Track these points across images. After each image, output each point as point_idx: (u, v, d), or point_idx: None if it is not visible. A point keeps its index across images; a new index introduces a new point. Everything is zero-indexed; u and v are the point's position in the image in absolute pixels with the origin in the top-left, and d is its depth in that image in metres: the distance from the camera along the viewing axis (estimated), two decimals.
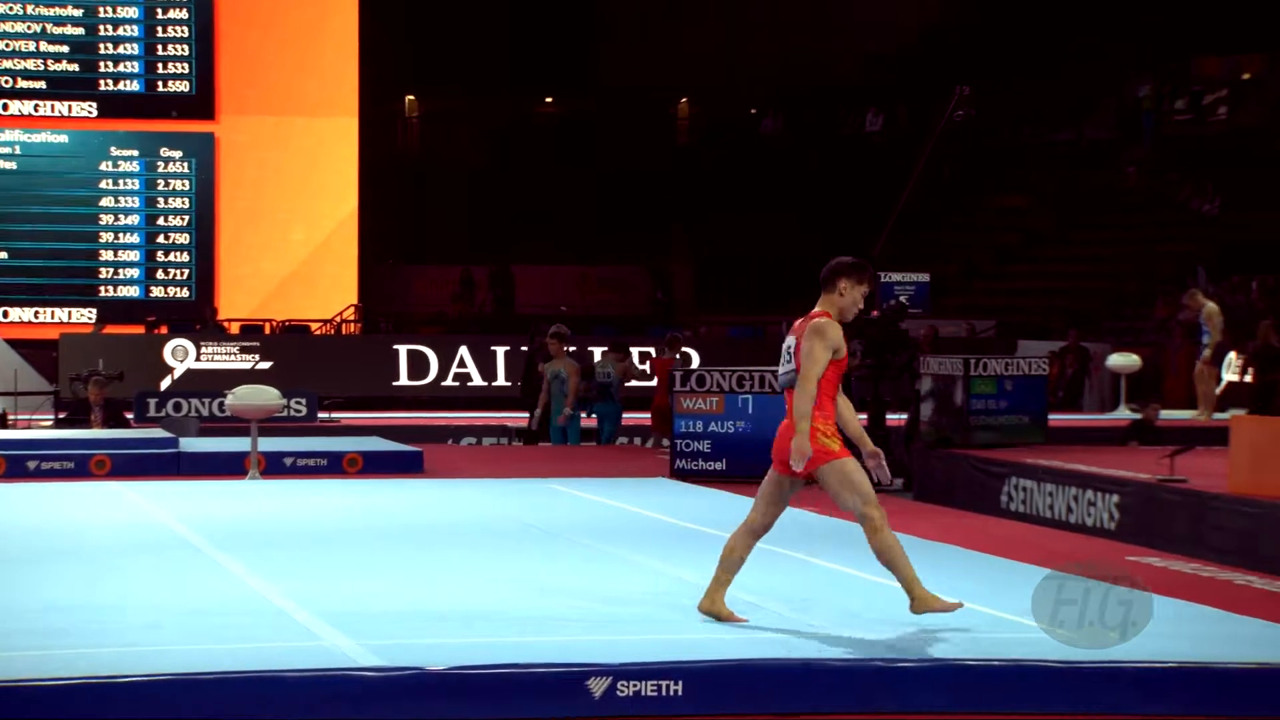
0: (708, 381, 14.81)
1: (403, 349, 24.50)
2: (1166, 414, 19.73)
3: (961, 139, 28.94)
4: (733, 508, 12.42)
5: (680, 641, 7.16)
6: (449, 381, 24.35)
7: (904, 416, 17.01)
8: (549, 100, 38.75)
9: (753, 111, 38.03)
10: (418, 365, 24.31)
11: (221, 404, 18.42)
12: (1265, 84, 32.08)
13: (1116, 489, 12.84)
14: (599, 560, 9.70)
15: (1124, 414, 20.42)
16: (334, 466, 14.96)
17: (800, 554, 9.89)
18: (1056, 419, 19.54)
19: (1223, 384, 19.64)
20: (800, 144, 36.34)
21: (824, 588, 8.73)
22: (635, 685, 6.66)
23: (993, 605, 7.59)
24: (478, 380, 24.37)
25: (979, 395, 14.93)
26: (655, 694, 6.67)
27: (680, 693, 6.68)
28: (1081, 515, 13.12)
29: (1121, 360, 22.12)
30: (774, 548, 10.33)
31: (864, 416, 17.23)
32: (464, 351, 24.37)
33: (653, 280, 33.85)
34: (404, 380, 24.32)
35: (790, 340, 7.67)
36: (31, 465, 14.51)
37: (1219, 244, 29.07)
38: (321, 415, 20.20)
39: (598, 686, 6.66)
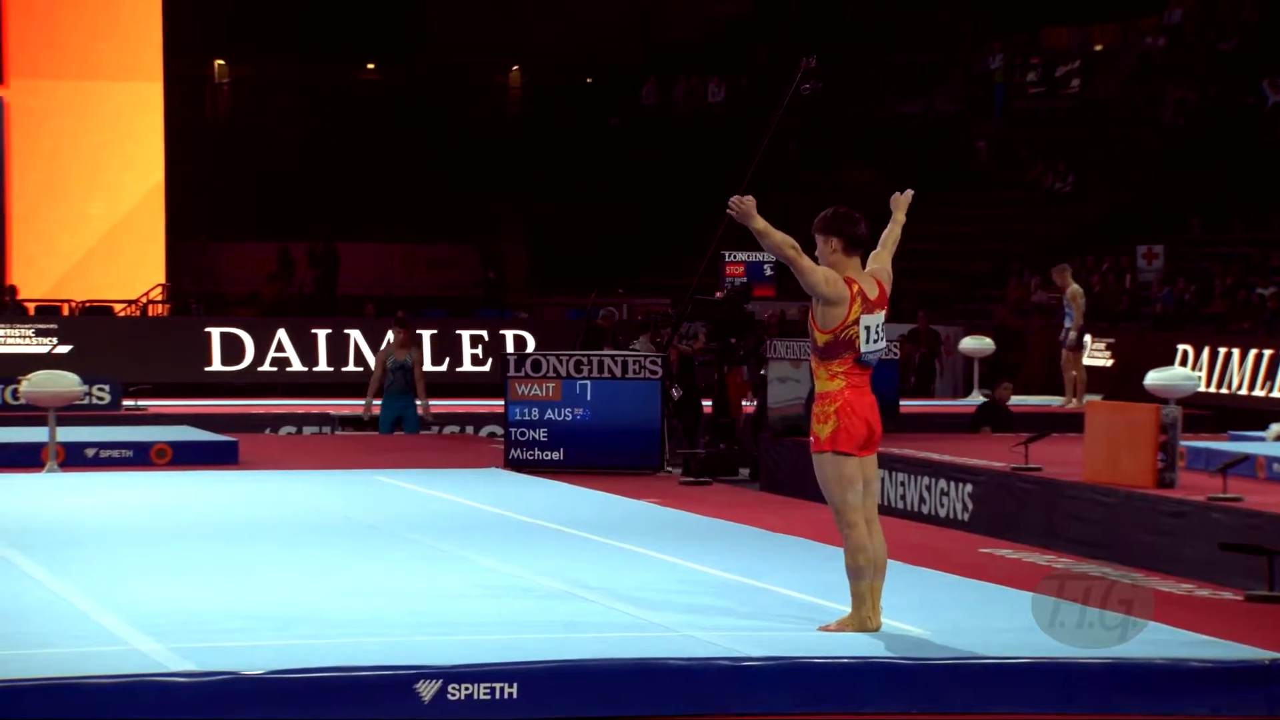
0: (544, 366, 14.81)
1: (215, 332, 24.18)
2: (1022, 399, 20.14)
3: (807, 111, 29.21)
4: (572, 500, 12.47)
5: (515, 642, 7.15)
6: (266, 367, 24.07)
7: (751, 403, 17.18)
8: (371, 66, 38.47)
9: (588, 80, 38.09)
10: (232, 349, 23.99)
11: (15, 391, 18.00)
12: (1118, 56, 32.78)
13: (969, 478, 13.07)
14: (428, 557, 9.67)
15: (977, 399, 20.80)
16: (141, 458, 14.75)
17: (649, 550, 9.94)
18: (908, 405, 19.86)
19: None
20: (640, 117, 36.47)
21: (671, 584, 8.77)
22: (468, 688, 6.64)
23: (844, 602, 7.66)
24: (297, 365, 24.12)
25: None
26: (489, 697, 6.66)
27: (515, 695, 6.67)
28: (935, 506, 13.35)
29: (975, 344, 22.52)
30: (591, 535, 10.40)
31: (709, 404, 17.41)
32: (282, 335, 24.09)
33: (483, 259, 33.78)
34: (217, 365, 24.00)
35: (879, 316, 7.37)
36: None
37: (1072, 223, 29.68)
38: (127, 403, 19.87)
39: (427, 690, 6.63)
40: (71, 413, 15.89)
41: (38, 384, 13.84)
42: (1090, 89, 32.58)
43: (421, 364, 18.29)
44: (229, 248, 32.66)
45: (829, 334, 7.29)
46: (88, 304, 27.00)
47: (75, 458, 14.40)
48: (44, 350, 22.61)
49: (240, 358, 24.05)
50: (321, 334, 24.31)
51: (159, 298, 28.15)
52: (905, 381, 22.93)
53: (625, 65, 37.33)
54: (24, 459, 14.28)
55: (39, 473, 13.67)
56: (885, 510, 13.25)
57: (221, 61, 36.60)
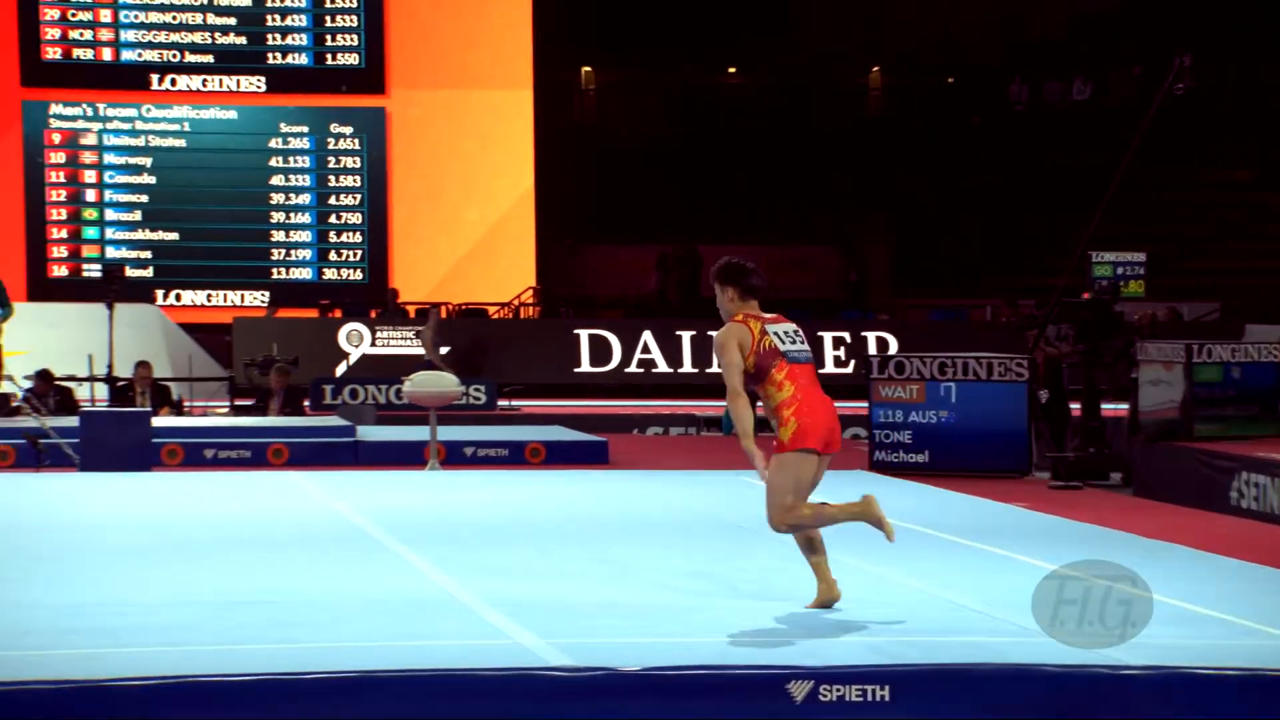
0: (907, 368, 14.74)
1: (584, 334, 24.65)
2: None
3: (1180, 109, 28.36)
4: (937, 503, 12.37)
5: (884, 645, 7.14)
6: (633, 368, 24.46)
7: (1122, 407, 16.75)
8: (733, 70, 38.73)
9: (949, 80, 37.67)
10: (600, 351, 24.44)
11: (398, 391, 18.73)
12: None
13: None
14: (794, 558, 9.68)
15: None
16: (516, 457, 15.15)
17: (1018, 555, 9.81)
18: None
19: None
20: (1004, 115, 35.91)
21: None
22: (840, 690, 6.65)
23: (1224, 610, 7.46)
24: (663, 367, 24.45)
25: (1204, 384, 14.64)
26: (861, 699, 6.66)
27: (888, 698, 6.67)
28: None
29: None
30: (960, 539, 10.28)
31: (1076, 407, 17.06)
32: (648, 336, 24.46)
33: (845, 261, 33.69)
34: (586, 367, 24.49)
35: (787, 325, 7.91)
36: (209, 454, 14.94)
37: None
38: (501, 403, 20.44)
39: (799, 690, 6.67)
40: (450, 412, 16.39)
41: (420, 384, 14.33)
42: None
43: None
44: (595, 250, 33.26)
45: (751, 357, 7.78)
46: (463, 307, 27.84)
47: (455, 456, 14.89)
48: (423, 352, 23.38)
49: (608, 359, 24.49)
50: (686, 336, 24.59)
51: (530, 300, 28.84)
52: None
53: (988, 64, 36.79)
54: (408, 456, 14.80)
55: (422, 470, 14.16)
56: (1268, 517, 12.82)
57: (589, 68, 37.31)
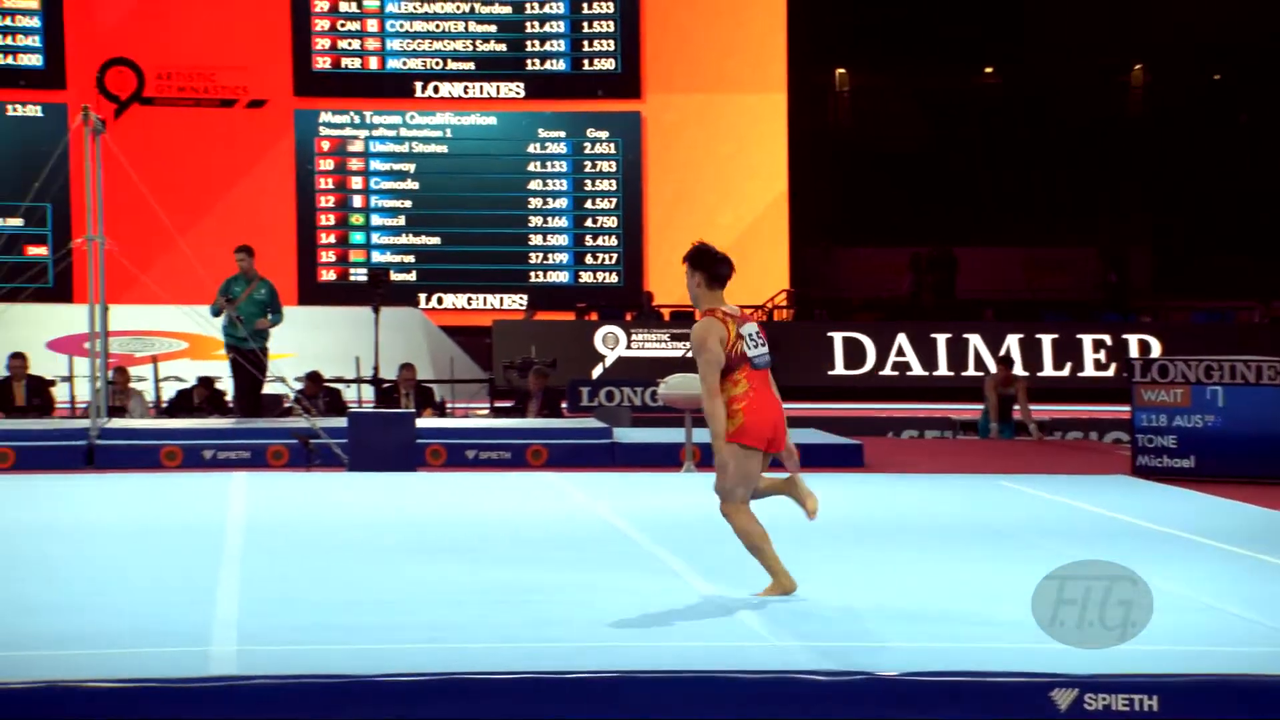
0: (1171, 372, 14.41)
1: (838, 336, 24.59)
2: None
3: None
4: (1205, 509, 12.06)
5: (1151, 653, 6.99)
6: (887, 371, 24.33)
7: None
8: (988, 70, 38.26)
9: (1215, 77, 36.72)
10: (854, 353, 24.36)
11: (653, 393, 18.87)
12: None
13: None
14: (1058, 564, 9.53)
15: None
16: (771, 459, 15.13)
17: (1260, 554, 9.54)
18: None
19: None
20: (1273, 111, 34.90)
21: None
22: (1105, 698, 6.54)
23: None
24: (917, 370, 24.27)
25: None
26: (1127, 708, 6.54)
27: (1155, 708, 6.53)
28: None
29: None
30: (1230, 547, 10.00)
31: None
32: (902, 339, 24.30)
33: (1104, 262, 33.06)
34: (839, 369, 24.41)
35: (751, 325, 8.26)
36: (470, 454, 15.20)
37: None
38: None
39: (1063, 698, 6.57)
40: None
41: (674, 387, 14.39)
42: None
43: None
44: (850, 253, 33.12)
45: (723, 356, 8.12)
46: None
47: (710, 457, 14.90)
48: (678, 354, 23.52)
49: (862, 362, 24.38)
50: (941, 339, 24.37)
51: (783, 303, 28.85)
52: None
53: (1255, 60, 35.76)
54: (663, 458, 14.89)
55: (677, 472, 14.23)
56: None
57: (842, 70, 37.17)
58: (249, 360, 16.45)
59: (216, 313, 16.88)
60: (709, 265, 8.21)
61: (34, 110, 28.11)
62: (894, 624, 7.68)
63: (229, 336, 16.89)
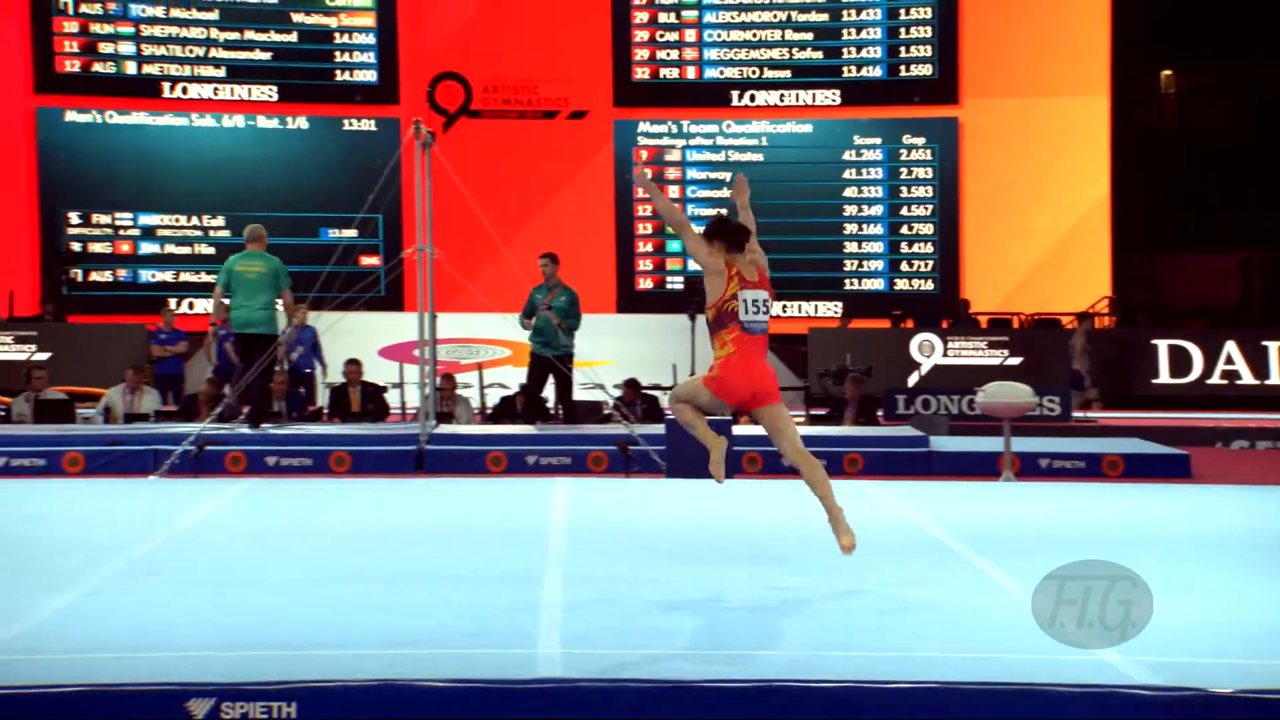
0: None
1: (1162, 344, 24.01)
2: None
3: None
4: None
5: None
6: (1215, 379, 23.66)
7: None
8: None
9: None
10: (1180, 361, 23.75)
11: (971, 401, 18.67)
12: None
13: None
14: None
15: None
16: (1093, 469, 14.88)
17: None
18: None
19: None
20: None
21: None
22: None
23: None
24: (1247, 379, 23.55)
25: None
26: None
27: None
28: None
29: None
30: None
31: None
32: (1231, 347, 23.60)
33: None
34: (1164, 378, 23.83)
35: (761, 293, 8.72)
36: (785, 461, 15.22)
37: None
38: (1076, 415, 20.12)
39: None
40: (1024, 423, 16.24)
41: (993, 395, 14.26)
42: None
43: None
44: (1174, 259, 32.25)
45: (713, 308, 8.68)
46: (1036, 316, 27.52)
47: (1029, 467, 14.74)
48: (996, 362, 23.22)
49: (1188, 370, 23.77)
50: (1272, 346, 23.62)
51: (1104, 310, 28.25)
52: None
53: None
54: (981, 467, 14.74)
55: (996, 481, 14.08)
56: None
57: (1169, 71, 36.22)
58: (558, 364, 16.76)
59: (525, 322, 17.16)
60: (729, 235, 8.73)
61: (368, 125, 29.07)
62: (1229, 641, 7.49)
63: (534, 341, 17.18)
